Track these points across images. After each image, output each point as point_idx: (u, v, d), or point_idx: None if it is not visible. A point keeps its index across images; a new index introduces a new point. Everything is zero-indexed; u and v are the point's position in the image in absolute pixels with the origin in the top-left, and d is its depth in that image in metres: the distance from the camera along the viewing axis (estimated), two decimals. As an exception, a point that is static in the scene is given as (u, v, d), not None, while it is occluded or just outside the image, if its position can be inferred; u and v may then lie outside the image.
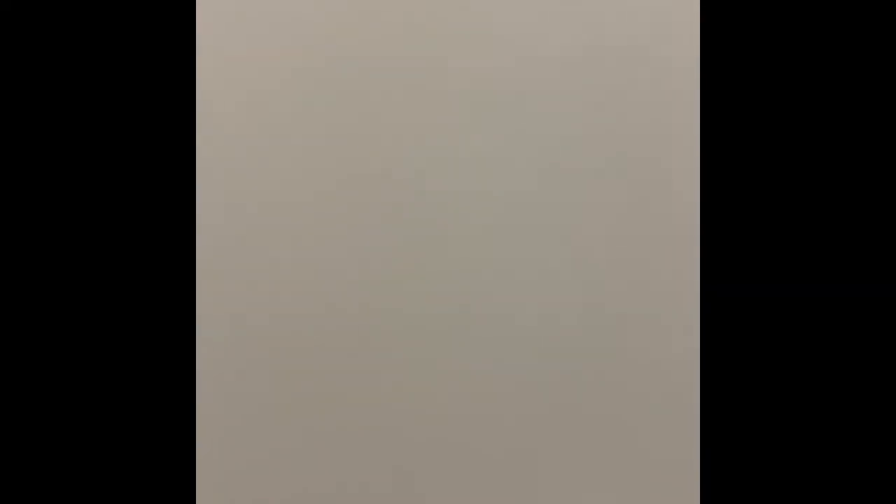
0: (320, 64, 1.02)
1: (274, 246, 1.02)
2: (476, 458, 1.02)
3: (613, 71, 1.01)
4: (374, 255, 1.02)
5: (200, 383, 1.02)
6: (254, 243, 1.02)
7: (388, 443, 1.02)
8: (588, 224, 1.02)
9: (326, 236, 1.02)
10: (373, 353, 1.02)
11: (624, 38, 1.01)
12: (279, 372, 1.02)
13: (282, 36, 1.02)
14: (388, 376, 1.02)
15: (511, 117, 1.02)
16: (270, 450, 1.02)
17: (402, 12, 1.01)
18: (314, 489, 1.02)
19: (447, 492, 1.02)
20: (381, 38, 1.02)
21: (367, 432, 1.02)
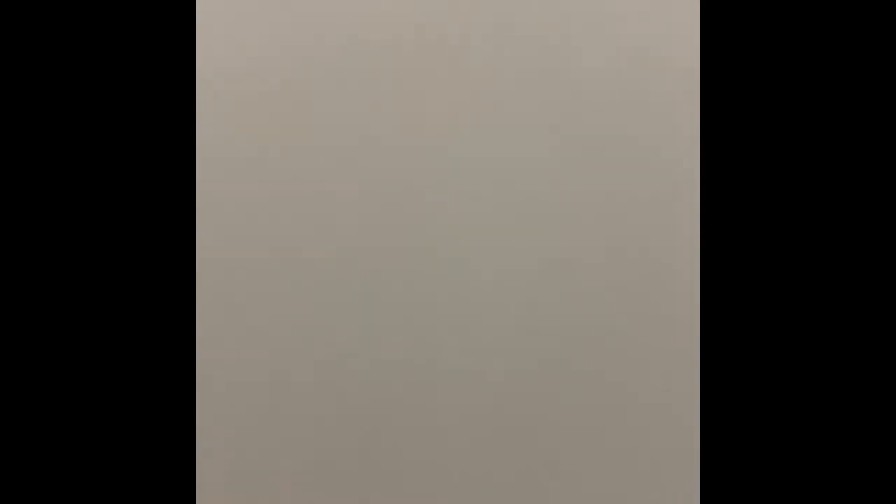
0: (321, 64, 1.02)
1: (274, 246, 1.02)
2: (475, 457, 1.02)
3: (613, 71, 1.01)
4: (374, 252, 1.02)
5: (200, 383, 1.02)
6: (254, 243, 1.02)
7: (389, 442, 1.02)
8: (588, 224, 1.02)
9: (327, 236, 1.02)
10: (374, 353, 1.02)
11: (624, 39, 1.01)
12: (279, 372, 1.02)
13: (282, 35, 1.02)
14: (389, 375, 1.02)
15: (510, 117, 1.02)
16: (270, 450, 1.02)
17: (403, 12, 1.01)
18: (314, 489, 1.02)
19: (447, 491, 1.02)
20: (383, 38, 1.02)
21: (367, 432, 1.02)
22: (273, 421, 1.02)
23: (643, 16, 1.01)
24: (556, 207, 1.02)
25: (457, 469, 1.02)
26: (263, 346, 1.02)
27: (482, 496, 1.02)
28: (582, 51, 1.01)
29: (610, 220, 1.02)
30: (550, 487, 1.02)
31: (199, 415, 1.02)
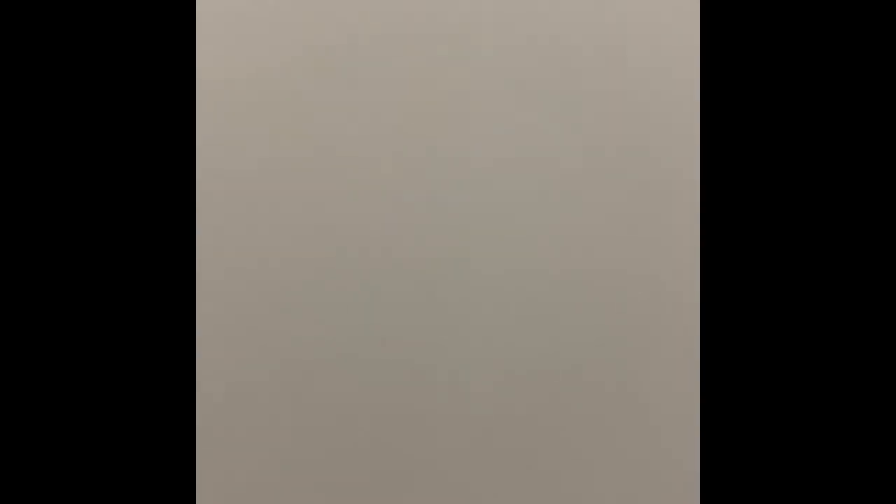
0: (322, 64, 1.02)
1: (274, 245, 1.02)
2: (475, 457, 1.02)
3: (613, 72, 1.01)
4: (374, 252, 1.02)
5: (200, 383, 1.02)
6: (254, 243, 1.02)
7: (390, 442, 1.02)
8: (588, 224, 1.02)
9: (328, 236, 1.02)
10: (374, 353, 1.02)
11: (624, 39, 1.01)
12: (279, 372, 1.02)
13: (283, 36, 1.02)
14: (390, 376, 1.02)
15: (511, 118, 1.02)
16: (270, 450, 1.02)
17: (403, 13, 1.01)
18: (314, 489, 1.02)
19: (448, 491, 1.02)
20: (384, 38, 1.02)
21: (368, 433, 1.02)
22: (273, 421, 1.02)
23: (643, 16, 1.01)
24: (556, 208, 1.02)
25: (457, 470, 1.02)
26: (263, 346, 1.02)
27: (483, 497, 1.02)
28: (580, 52, 1.01)
29: (610, 221, 1.02)
30: (551, 488, 1.02)
31: (199, 415, 1.02)
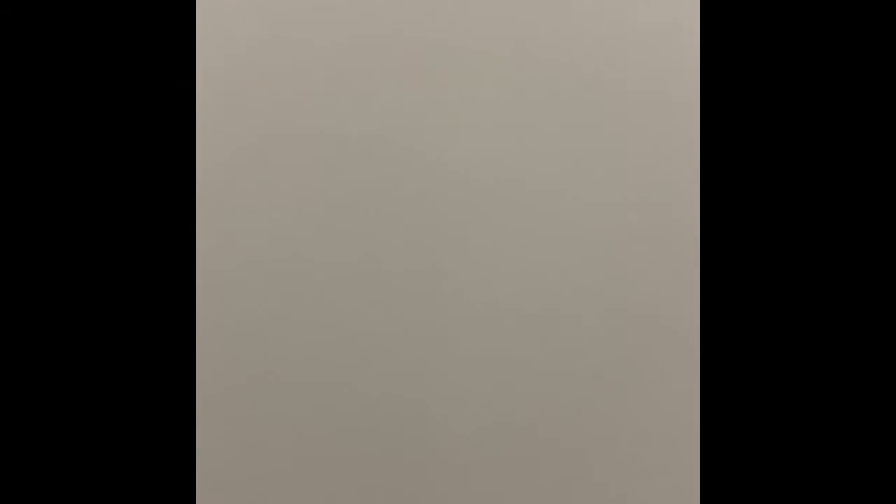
0: (322, 63, 1.02)
1: (274, 245, 1.02)
2: (475, 457, 1.02)
3: (613, 72, 1.01)
4: (377, 253, 1.02)
5: (200, 383, 1.02)
6: (254, 243, 1.02)
7: (390, 443, 1.02)
8: (588, 225, 1.02)
9: (329, 236, 1.02)
10: (375, 353, 1.02)
11: (624, 39, 1.01)
12: (279, 372, 1.02)
13: (283, 35, 1.02)
14: (391, 376, 1.02)
15: (512, 119, 1.02)
16: (270, 450, 1.02)
17: (405, 12, 1.01)
18: (315, 490, 1.02)
19: (448, 492, 1.02)
20: (387, 38, 1.02)
21: (368, 433, 1.02)
22: (273, 421, 1.02)
23: (643, 15, 1.01)
24: (554, 208, 1.02)
25: (457, 470, 1.02)
26: (263, 346, 1.02)
27: (483, 496, 1.02)
28: (581, 51, 1.01)
29: (609, 220, 1.01)
30: (550, 488, 1.02)
31: (199, 415, 1.02)
